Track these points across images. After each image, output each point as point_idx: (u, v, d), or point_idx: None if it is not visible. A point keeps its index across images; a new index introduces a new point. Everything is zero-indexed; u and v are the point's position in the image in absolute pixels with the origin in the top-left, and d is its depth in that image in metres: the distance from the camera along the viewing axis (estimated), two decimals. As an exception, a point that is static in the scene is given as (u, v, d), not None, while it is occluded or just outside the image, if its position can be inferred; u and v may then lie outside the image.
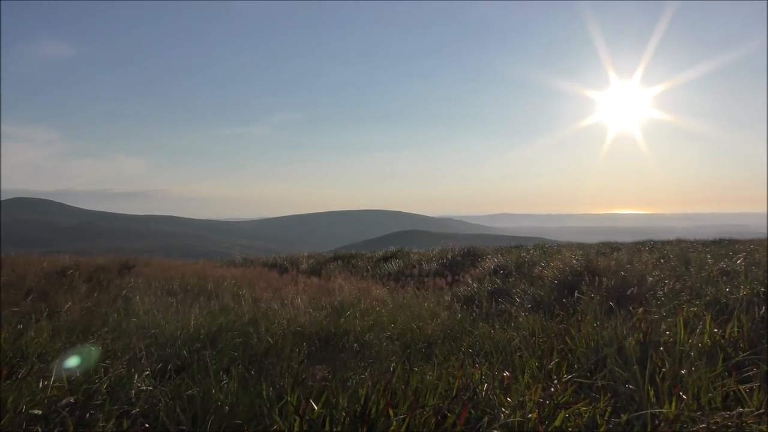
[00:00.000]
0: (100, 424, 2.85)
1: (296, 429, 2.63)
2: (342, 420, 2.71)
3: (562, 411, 2.83)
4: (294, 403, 2.85)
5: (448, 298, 7.95)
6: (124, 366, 3.69)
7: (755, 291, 5.57)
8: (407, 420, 2.65)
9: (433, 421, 2.71)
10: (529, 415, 2.78)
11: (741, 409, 2.91)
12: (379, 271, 13.38)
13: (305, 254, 19.23)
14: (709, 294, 5.86)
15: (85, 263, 9.97)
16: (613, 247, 13.70)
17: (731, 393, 3.14)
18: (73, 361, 3.64)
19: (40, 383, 3.17)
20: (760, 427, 2.70)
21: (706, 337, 3.99)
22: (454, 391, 3.14)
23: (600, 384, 3.47)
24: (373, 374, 3.60)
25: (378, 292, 8.17)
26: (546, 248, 14.99)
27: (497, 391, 3.10)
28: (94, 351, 3.96)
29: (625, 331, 4.22)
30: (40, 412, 2.86)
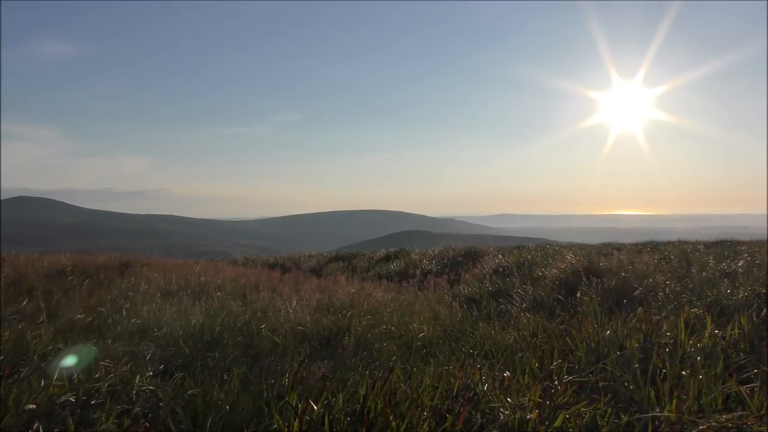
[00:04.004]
0: (101, 423, 2.86)
1: (296, 428, 2.63)
2: (341, 419, 2.71)
3: (563, 411, 2.83)
4: (293, 403, 2.85)
5: (448, 298, 7.94)
6: (126, 365, 3.69)
7: (756, 292, 5.57)
8: (406, 420, 2.65)
9: (432, 421, 2.71)
10: (529, 416, 2.78)
11: (742, 411, 2.91)
12: (380, 271, 13.38)
13: (306, 254, 19.25)
14: (709, 295, 5.85)
15: (86, 262, 9.97)
16: (614, 248, 13.68)
17: (732, 394, 3.14)
18: (74, 361, 3.65)
19: (42, 382, 3.18)
20: (761, 428, 2.70)
21: (706, 338, 3.99)
22: (454, 392, 3.14)
23: (601, 385, 3.47)
24: (373, 374, 3.60)
25: (379, 292, 8.17)
26: (547, 249, 14.98)
27: (497, 392, 3.10)
28: (95, 350, 3.97)
29: (626, 332, 4.22)
30: (42, 410, 2.87)
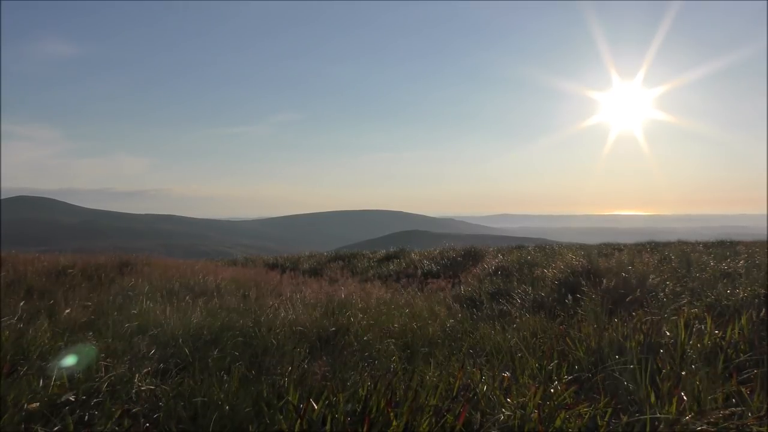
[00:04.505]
0: (101, 423, 2.85)
1: (297, 428, 2.63)
2: (342, 420, 2.71)
3: (562, 412, 2.83)
4: (294, 403, 2.85)
5: (448, 298, 7.95)
6: (125, 365, 3.69)
7: (756, 293, 5.57)
8: (407, 420, 2.65)
9: (433, 421, 2.71)
10: (530, 416, 2.78)
11: (742, 411, 2.91)
12: (380, 272, 13.38)
13: (306, 254, 19.24)
14: (709, 296, 5.85)
15: (86, 262, 9.97)
16: (614, 248, 13.68)
17: (732, 394, 3.14)
18: (73, 360, 3.65)
19: (41, 382, 3.18)
20: (761, 429, 2.69)
21: (706, 338, 3.99)
22: (455, 392, 3.14)
23: (600, 385, 3.47)
24: (374, 374, 3.60)
25: (379, 292, 8.17)
26: (547, 249, 14.98)
27: (497, 392, 3.10)
28: (94, 350, 3.97)
29: (626, 333, 4.22)
30: (41, 410, 2.87)
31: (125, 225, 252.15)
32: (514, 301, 6.98)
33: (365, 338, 4.99)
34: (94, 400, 3.10)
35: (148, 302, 6.23)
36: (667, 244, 14.39)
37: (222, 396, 3.21)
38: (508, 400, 3.01)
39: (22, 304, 5.80)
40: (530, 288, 7.60)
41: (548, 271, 8.72)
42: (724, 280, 6.82)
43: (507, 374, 3.50)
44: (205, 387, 3.34)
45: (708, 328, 4.12)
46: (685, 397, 2.98)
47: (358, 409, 2.76)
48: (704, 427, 2.72)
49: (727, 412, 2.87)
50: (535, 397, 2.99)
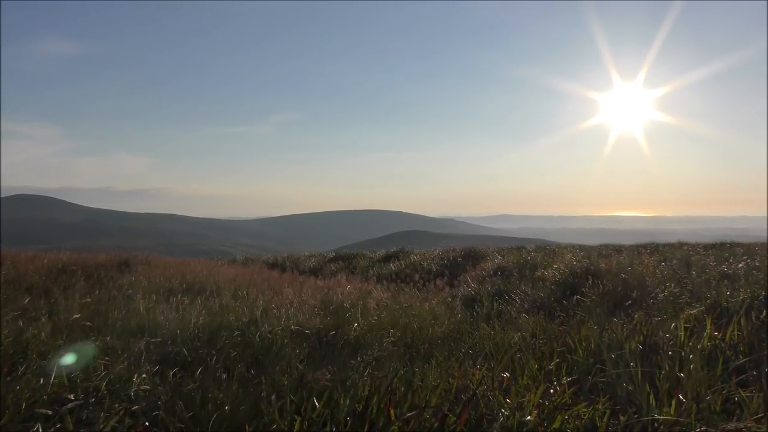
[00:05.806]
0: (101, 422, 2.85)
1: (296, 428, 2.63)
2: (343, 420, 2.71)
3: (561, 412, 2.83)
4: (295, 403, 2.85)
5: (449, 298, 7.94)
6: (125, 364, 3.69)
7: (756, 294, 5.56)
8: (410, 420, 2.65)
9: (433, 421, 2.71)
10: (528, 417, 2.78)
11: (740, 413, 2.91)
12: (380, 272, 13.37)
13: (306, 254, 19.24)
14: (709, 297, 5.85)
15: (86, 260, 9.97)
16: (614, 249, 13.67)
17: (731, 396, 3.14)
18: (73, 359, 3.65)
19: (41, 380, 3.17)
20: (760, 430, 2.69)
21: (706, 340, 3.99)
22: (453, 392, 3.14)
23: (600, 386, 3.47)
24: (374, 374, 3.60)
25: (379, 292, 8.17)
26: (547, 250, 14.96)
27: (497, 392, 3.10)
28: (93, 348, 3.97)
29: (625, 334, 4.22)
30: (41, 409, 2.87)
31: (125, 224, 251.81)
32: (514, 302, 6.98)
33: (365, 339, 5.00)
34: (94, 399, 3.10)
35: (147, 301, 6.23)
36: (667, 246, 14.38)
37: (221, 395, 3.21)
38: (508, 400, 3.01)
39: (22, 302, 5.81)
40: (530, 289, 7.60)
41: (548, 272, 8.72)
42: (724, 282, 6.81)
43: (506, 375, 3.50)
44: (204, 386, 3.34)
45: (707, 330, 4.12)
46: (684, 399, 2.98)
47: (359, 409, 2.76)
48: (703, 428, 2.72)
49: (726, 415, 2.88)
50: (534, 397, 2.99)
